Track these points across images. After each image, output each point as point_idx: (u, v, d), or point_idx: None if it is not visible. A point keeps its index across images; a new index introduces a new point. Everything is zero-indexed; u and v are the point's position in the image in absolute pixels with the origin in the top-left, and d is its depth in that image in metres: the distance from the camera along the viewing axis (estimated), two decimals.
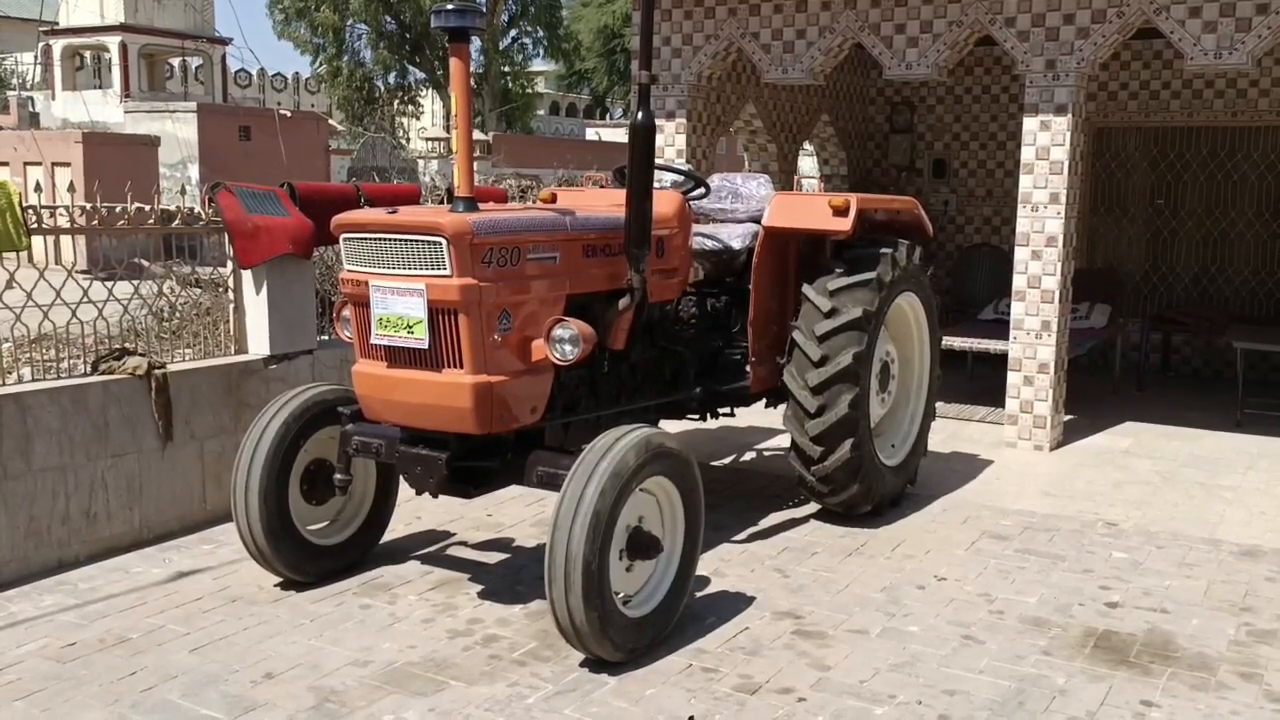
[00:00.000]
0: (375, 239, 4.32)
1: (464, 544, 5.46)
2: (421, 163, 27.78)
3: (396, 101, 43.20)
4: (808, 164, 11.20)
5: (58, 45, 37.23)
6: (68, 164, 20.80)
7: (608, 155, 26.82)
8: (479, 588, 4.86)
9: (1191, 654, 4.30)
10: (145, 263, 6.08)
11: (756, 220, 5.79)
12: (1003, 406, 7.63)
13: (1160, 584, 5.04)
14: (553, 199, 5.90)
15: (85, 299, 5.36)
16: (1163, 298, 10.36)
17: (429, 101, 45.62)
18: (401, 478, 4.84)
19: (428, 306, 4.20)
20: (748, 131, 9.87)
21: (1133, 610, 4.72)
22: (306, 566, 4.85)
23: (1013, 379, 7.50)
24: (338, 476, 4.77)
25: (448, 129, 35.75)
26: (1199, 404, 8.92)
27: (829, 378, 5.40)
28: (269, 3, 41.26)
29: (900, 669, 4.12)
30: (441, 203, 7.50)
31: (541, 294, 4.48)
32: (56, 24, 37.37)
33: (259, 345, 5.95)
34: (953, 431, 7.82)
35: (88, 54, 38.10)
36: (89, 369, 5.34)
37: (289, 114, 27.02)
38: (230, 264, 5.97)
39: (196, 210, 6.01)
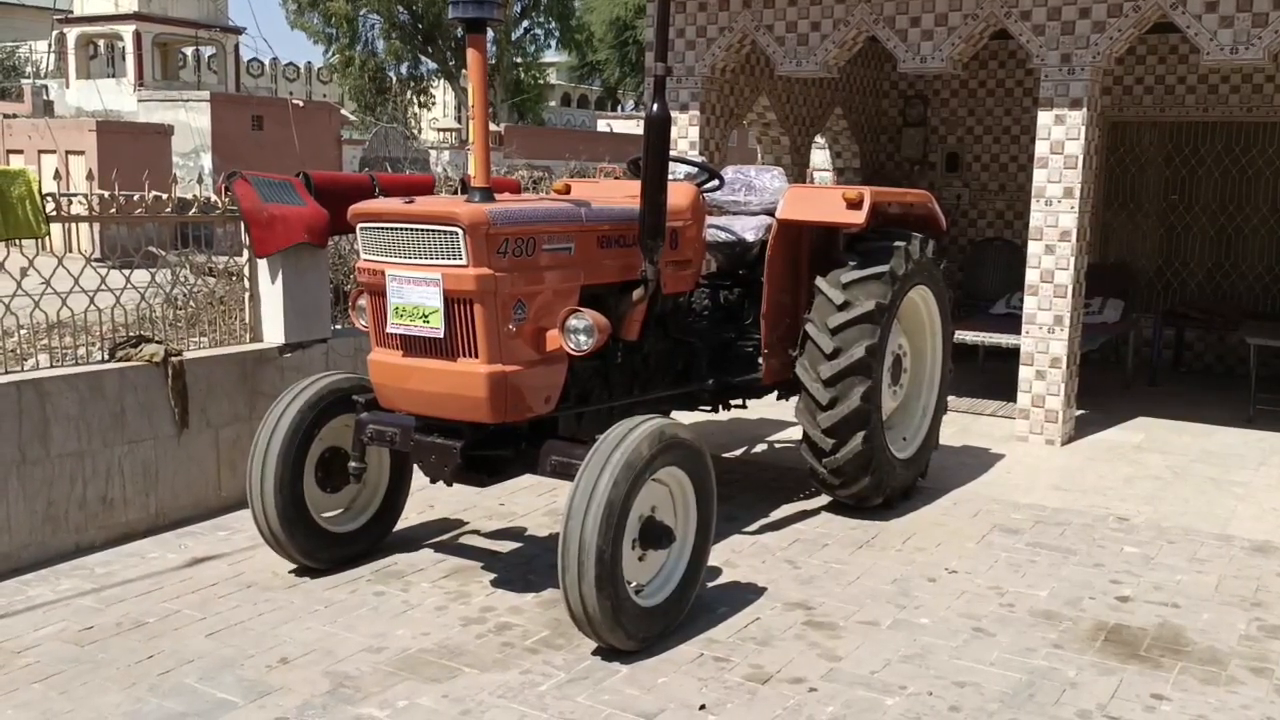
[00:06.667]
0: (392, 228, 4.35)
1: (477, 533, 5.49)
2: (433, 153, 27.80)
3: (409, 92, 43.22)
4: (820, 157, 11.17)
5: (72, 34, 37.35)
6: (81, 152, 20.88)
7: (619, 147, 26.81)
8: (492, 576, 4.89)
9: (1202, 648, 4.31)
10: (160, 251, 6.12)
11: (770, 213, 5.80)
12: (1014, 401, 7.63)
13: (1171, 578, 5.05)
14: (567, 190, 5.93)
15: (103, 286, 5.39)
16: (1176, 293, 10.33)
17: (441, 92, 45.63)
18: (415, 466, 4.88)
19: (444, 296, 4.22)
20: (761, 124, 9.87)
21: (1144, 604, 4.73)
22: (321, 553, 4.88)
23: (1025, 373, 7.50)
24: (352, 464, 4.81)
25: (459, 119, 35.80)
26: (1211, 400, 8.90)
27: (841, 370, 5.41)
28: None
29: (911, 660, 4.14)
30: (455, 193, 7.52)
31: (556, 284, 4.50)
32: (71, 12, 37.49)
33: (274, 334, 5.98)
34: (964, 425, 7.83)
35: (102, 43, 38.24)
36: (106, 356, 5.38)
37: (301, 104, 27.06)
38: (246, 253, 6.00)
39: (212, 199, 6.04)
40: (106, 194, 5.47)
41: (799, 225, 5.70)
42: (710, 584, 4.73)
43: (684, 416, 6.03)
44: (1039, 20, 7.22)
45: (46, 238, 5.15)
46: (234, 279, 6.23)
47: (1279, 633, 4.47)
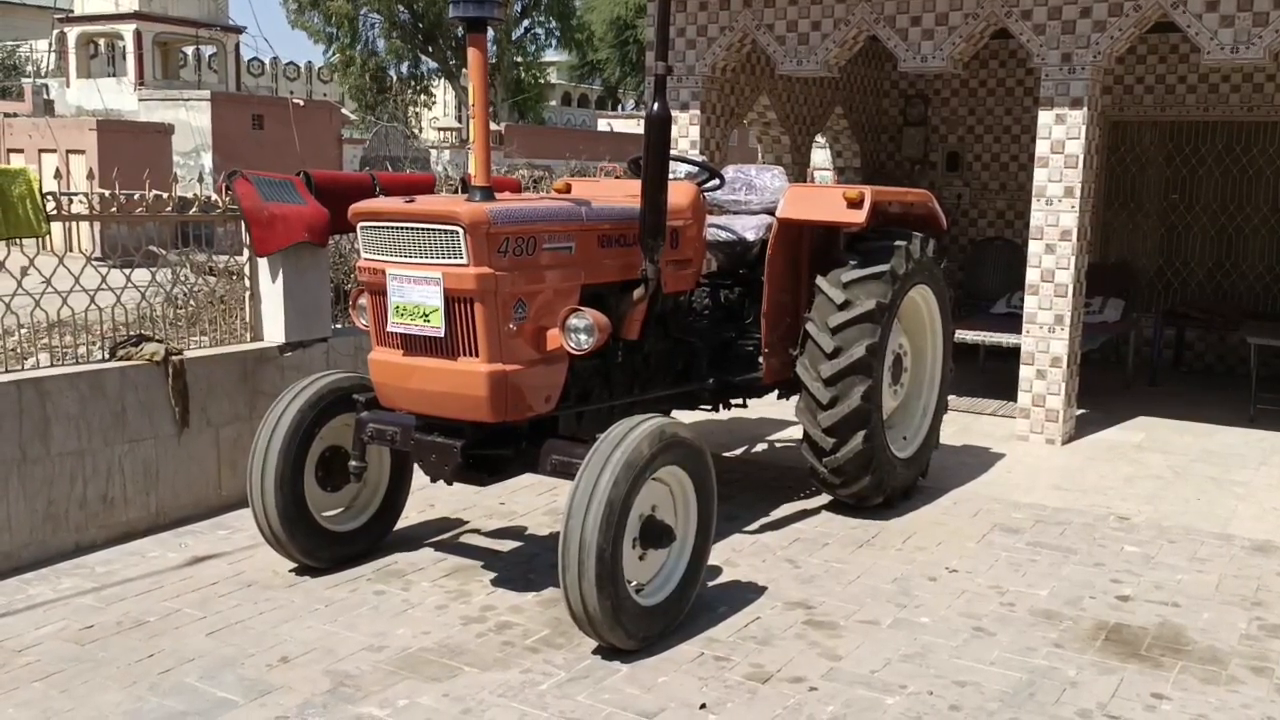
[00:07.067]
0: (393, 228, 4.35)
1: (477, 532, 5.49)
2: (434, 152, 27.81)
3: (409, 91, 43.22)
4: (820, 156, 11.17)
5: (72, 33, 37.37)
6: (82, 151, 20.89)
7: (619, 146, 26.82)
8: (492, 575, 4.89)
9: (1202, 647, 4.31)
10: (160, 250, 6.12)
11: (770, 212, 5.80)
12: (1015, 400, 7.63)
13: (1172, 578, 5.05)
14: (567, 189, 5.93)
15: (103, 285, 5.39)
16: (1176, 293, 10.33)
17: (441, 91, 45.65)
18: (416, 465, 4.87)
19: (444, 295, 4.23)
20: (761, 123, 9.87)
21: (1144, 604, 4.73)
22: (321, 552, 4.89)
23: (1025, 373, 7.50)
24: (353, 463, 4.81)
25: (460, 119, 35.81)
26: (1212, 399, 8.90)
27: (842, 369, 5.41)
28: None
29: (911, 659, 4.14)
30: (455, 192, 7.52)
31: (557, 284, 4.50)
32: (71, 12, 37.51)
33: (274, 333, 5.98)
34: (964, 425, 7.83)
35: (102, 42, 38.27)
36: (107, 355, 5.38)
37: (302, 103, 27.07)
38: (246, 252, 6.00)
39: (212, 198, 6.04)
40: (107, 193, 5.47)
41: (799, 224, 5.70)
42: (710, 583, 4.73)
43: (684, 416, 6.03)
44: (1039, 20, 7.22)
45: (47, 237, 5.15)
46: (234, 278, 6.23)
47: (1279, 632, 4.47)
